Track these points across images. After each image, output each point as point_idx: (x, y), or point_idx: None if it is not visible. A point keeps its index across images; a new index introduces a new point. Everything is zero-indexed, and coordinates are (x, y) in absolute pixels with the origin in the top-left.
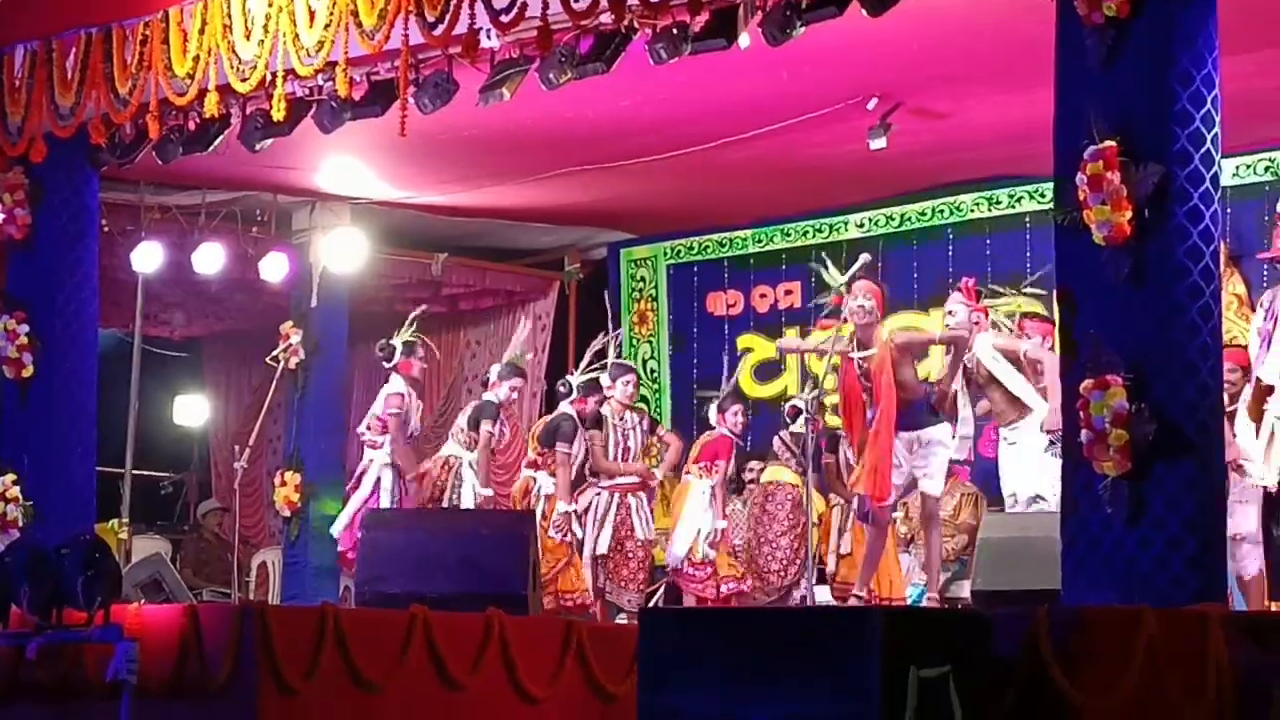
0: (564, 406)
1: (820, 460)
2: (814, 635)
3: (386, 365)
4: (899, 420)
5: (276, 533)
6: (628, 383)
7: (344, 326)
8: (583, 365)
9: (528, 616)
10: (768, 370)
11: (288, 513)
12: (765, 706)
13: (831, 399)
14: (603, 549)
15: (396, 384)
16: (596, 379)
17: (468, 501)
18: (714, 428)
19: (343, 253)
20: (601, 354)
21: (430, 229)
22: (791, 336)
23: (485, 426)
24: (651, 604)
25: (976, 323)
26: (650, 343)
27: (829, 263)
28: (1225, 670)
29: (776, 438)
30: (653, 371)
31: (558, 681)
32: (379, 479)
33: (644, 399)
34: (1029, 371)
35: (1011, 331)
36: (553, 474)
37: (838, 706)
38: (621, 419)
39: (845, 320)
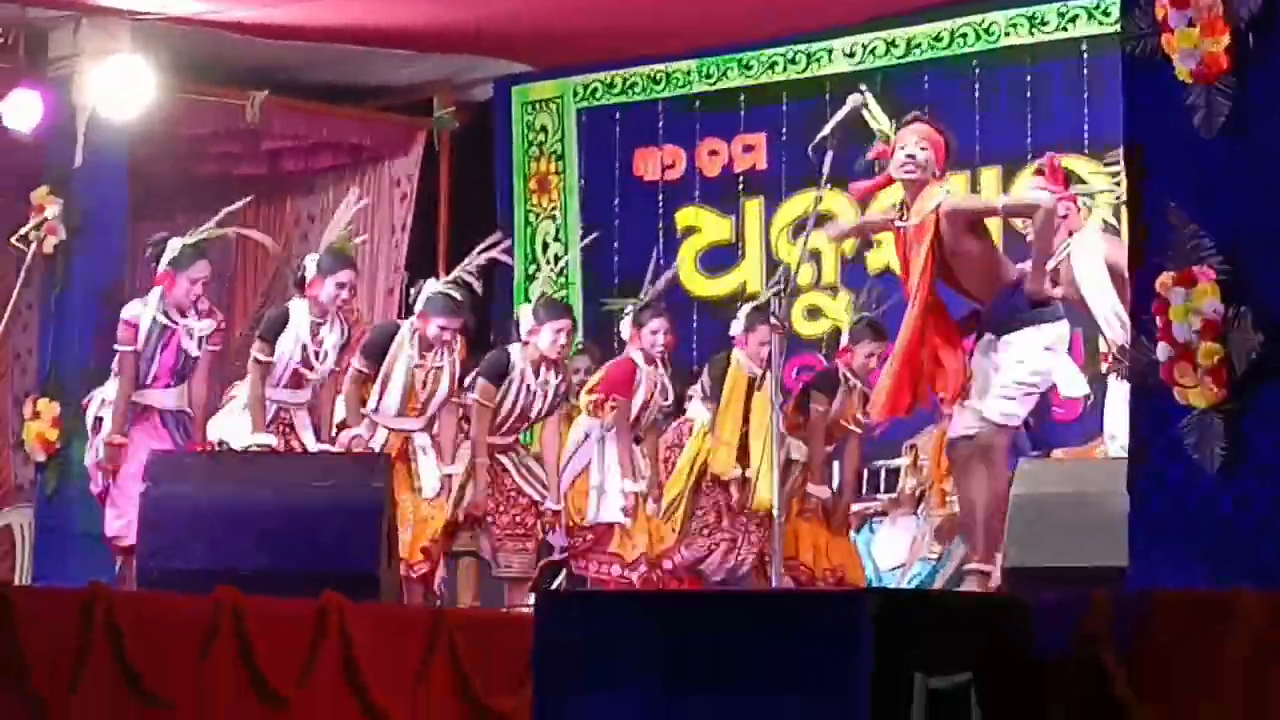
0: (405, 324)
1: (807, 407)
2: (778, 629)
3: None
4: (981, 320)
5: (26, 485)
6: (559, 331)
7: (123, 195)
8: (458, 269)
9: (379, 603)
10: (719, 257)
11: (42, 456)
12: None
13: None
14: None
15: (133, 306)
16: (451, 296)
17: None
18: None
19: (120, 91)
20: (485, 270)
21: (244, 57)
22: (841, 218)
23: (257, 349)
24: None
25: (1064, 215)
26: (553, 219)
27: (870, 101)
28: None
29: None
30: (558, 259)
31: (420, 691)
32: (98, 419)
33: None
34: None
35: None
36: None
37: None
38: (536, 375)
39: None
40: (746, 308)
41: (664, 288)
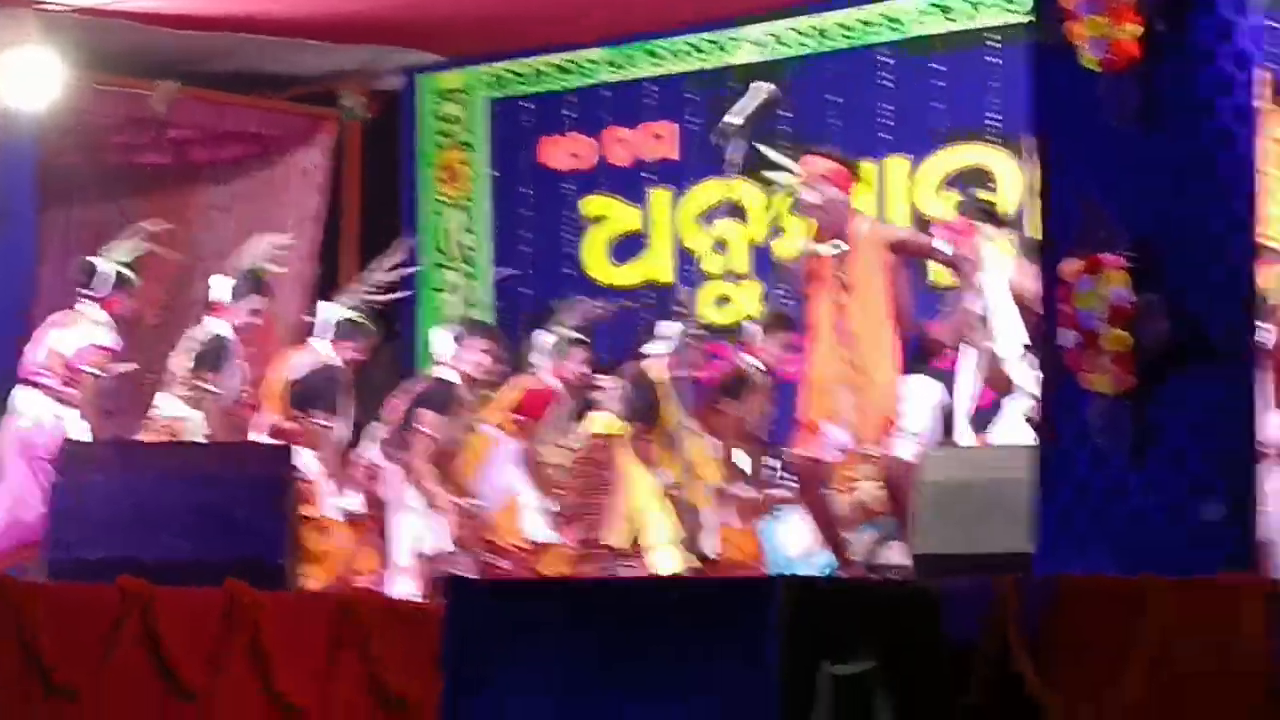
0: (320, 346)
1: (713, 405)
2: (691, 616)
3: (85, 294)
4: None
5: None
6: (484, 351)
7: (29, 187)
8: (360, 290)
9: (286, 592)
10: (627, 246)
11: None
12: (621, 712)
13: (718, 290)
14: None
15: (92, 329)
16: (359, 322)
17: None
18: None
19: (27, 81)
20: (394, 286)
21: (152, 48)
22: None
23: (212, 383)
24: None
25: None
26: (463, 208)
27: (769, 150)
28: (1263, 661)
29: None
30: (468, 250)
31: (330, 682)
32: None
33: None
34: None
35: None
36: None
37: (720, 713)
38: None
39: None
40: (672, 327)
41: (590, 322)
